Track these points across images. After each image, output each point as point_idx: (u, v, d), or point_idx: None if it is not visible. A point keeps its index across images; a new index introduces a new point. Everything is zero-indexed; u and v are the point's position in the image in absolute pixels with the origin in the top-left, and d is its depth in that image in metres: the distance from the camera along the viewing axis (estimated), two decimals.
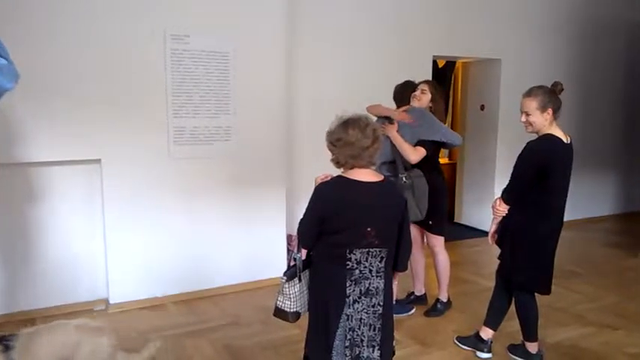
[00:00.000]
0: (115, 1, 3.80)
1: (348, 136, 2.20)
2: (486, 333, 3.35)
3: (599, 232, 6.65)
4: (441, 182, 3.86)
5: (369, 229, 2.19)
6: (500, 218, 3.11)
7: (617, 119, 7.21)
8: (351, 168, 2.25)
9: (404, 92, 3.91)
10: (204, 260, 4.33)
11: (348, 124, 2.23)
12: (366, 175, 2.24)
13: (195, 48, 4.09)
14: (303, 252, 2.38)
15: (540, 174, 2.93)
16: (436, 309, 4.01)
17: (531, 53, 6.29)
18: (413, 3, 5.45)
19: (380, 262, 2.26)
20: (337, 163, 2.30)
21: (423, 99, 3.79)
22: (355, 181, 2.22)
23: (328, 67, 4.99)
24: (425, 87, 3.82)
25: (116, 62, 3.85)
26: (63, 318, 3.83)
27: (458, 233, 6.36)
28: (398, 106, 3.91)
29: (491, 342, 3.35)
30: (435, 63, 6.19)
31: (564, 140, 2.98)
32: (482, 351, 3.35)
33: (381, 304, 2.29)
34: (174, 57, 4.03)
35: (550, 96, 2.95)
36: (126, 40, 3.87)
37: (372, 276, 2.26)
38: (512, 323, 3.40)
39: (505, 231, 3.13)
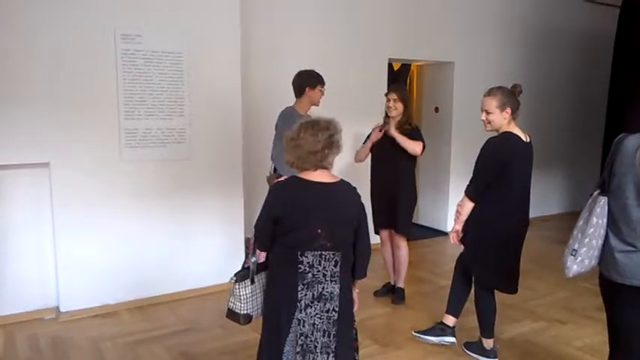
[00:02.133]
0: (63, 0, 3.69)
1: (298, 138, 2.19)
2: (448, 320, 3.45)
3: (550, 230, 6.87)
4: (414, 188, 4.22)
5: (319, 230, 2.17)
6: (466, 214, 3.15)
7: (564, 121, 7.48)
8: (302, 169, 2.24)
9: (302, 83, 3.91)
10: (159, 265, 4.24)
11: (301, 126, 2.22)
12: (321, 176, 2.22)
13: (147, 48, 4.00)
14: (262, 255, 2.36)
15: (500, 170, 3.00)
16: (402, 296, 4.28)
17: (483, 56, 6.46)
18: (367, 5, 5.50)
19: (334, 266, 2.21)
20: (288, 163, 2.29)
21: (398, 107, 3.96)
22: (307, 181, 2.21)
23: (283, 68, 4.95)
24: (394, 96, 3.98)
25: (65, 61, 3.74)
26: (12, 327, 3.70)
27: (415, 233, 6.43)
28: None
29: (455, 328, 3.45)
30: (390, 65, 6.27)
31: (523, 139, 3.07)
32: (448, 336, 3.44)
33: (337, 309, 2.23)
34: (126, 57, 3.94)
35: (509, 96, 3.05)
36: (75, 39, 3.75)
37: (326, 280, 2.21)
38: (470, 319, 3.47)
39: (467, 229, 3.18)
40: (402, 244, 4.22)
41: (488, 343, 3.31)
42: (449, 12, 6.13)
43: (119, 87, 3.94)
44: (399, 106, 3.99)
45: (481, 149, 3.08)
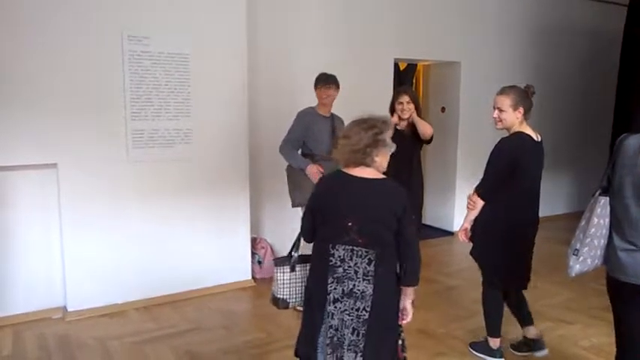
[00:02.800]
0: (70, 1, 3.71)
1: (345, 137, 2.25)
2: (530, 332, 3.37)
3: (556, 231, 6.80)
4: (421, 182, 4.28)
5: (349, 223, 2.17)
6: (475, 212, 3.10)
7: (572, 120, 7.44)
8: (345, 165, 2.26)
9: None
10: (165, 265, 4.26)
11: (350, 124, 2.28)
12: (364, 172, 2.22)
13: (154, 50, 4.03)
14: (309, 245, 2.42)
15: (512, 170, 2.98)
16: None
17: (490, 56, 6.43)
18: (372, 5, 5.50)
19: (368, 264, 2.18)
20: (335, 160, 2.35)
21: (411, 109, 4.05)
22: (346, 174, 2.23)
23: (289, 69, 4.99)
24: (406, 98, 4.06)
25: (72, 63, 3.76)
26: (20, 327, 3.73)
27: (421, 233, 6.43)
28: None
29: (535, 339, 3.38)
30: (396, 66, 6.26)
31: (534, 138, 3.07)
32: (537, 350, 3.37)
33: (367, 309, 2.18)
34: (133, 59, 3.96)
35: (523, 96, 3.03)
36: (82, 42, 3.78)
37: (358, 278, 2.18)
38: (475, 320, 3.46)
39: (476, 227, 3.15)
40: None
41: (494, 343, 3.29)
42: (455, 12, 6.11)
43: (126, 88, 3.96)
44: (412, 107, 4.05)
45: (494, 148, 3.06)
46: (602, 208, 2.18)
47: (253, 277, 4.73)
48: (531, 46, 6.82)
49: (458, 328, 3.78)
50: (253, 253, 4.81)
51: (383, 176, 2.26)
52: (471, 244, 3.27)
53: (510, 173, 2.99)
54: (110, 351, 3.45)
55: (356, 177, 2.21)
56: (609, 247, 2.19)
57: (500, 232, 3.08)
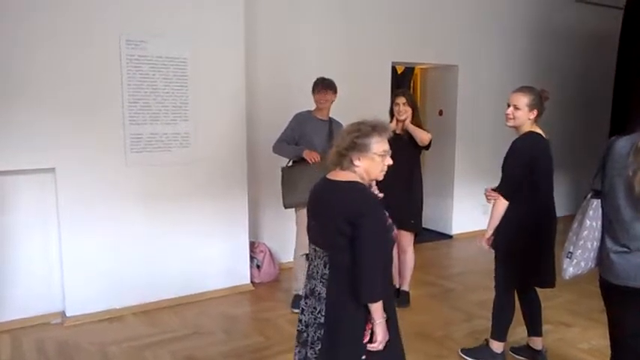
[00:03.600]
0: (68, 5, 3.71)
1: (336, 138, 2.28)
2: (536, 343, 3.34)
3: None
4: (421, 187, 4.37)
5: (313, 222, 2.21)
6: (498, 219, 3.05)
7: (568, 123, 7.45)
8: (332, 167, 2.23)
9: None
10: (164, 270, 4.26)
11: (346, 125, 2.29)
12: (338, 174, 2.19)
13: (152, 54, 4.03)
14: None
15: (531, 169, 2.99)
16: (407, 299, 4.30)
17: (487, 59, 6.45)
18: (370, 9, 5.52)
19: (324, 266, 2.12)
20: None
21: (408, 111, 4.09)
22: (325, 177, 2.24)
23: (287, 73, 5.00)
24: (403, 100, 4.10)
25: (70, 67, 3.76)
26: (19, 332, 3.72)
27: (420, 236, 6.43)
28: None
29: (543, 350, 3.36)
30: (394, 69, 6.28)
31: (544, 136, 3.09)
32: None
33: (323, 313, 2.10)
34: (131, 63, 3.96)
35: (539, 100, 3.05)
36: (80, 45, 3.78)
37: (316, 279, 2.15)
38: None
39: (501, 231, 3.10)
40: (409, 249, 4.27)
41: (499, 347, 3.27)
42: (452, 15, 6.13)
43: (124, 92, 3.96)
44: (408, 109, 4.09)
45: (510, 149, 3.06)
46: (594, 211, 2.19)
47: (252, 282, 4.72)
48: (529, 50, 6.84)
49: (456, 331, 3.78)
50: (252, 257, 4.81)
51: (354, 179, 2.13)
52: (489, 249, 3.22)
53: (529, 172, 3.00)
54: (109, 356, 3.44)
55: (329, 179, 2.19)
56: (602, 250, 2.20)
57: (528, 230, 3.07)
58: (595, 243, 2.21)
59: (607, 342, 2.40)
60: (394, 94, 4.26)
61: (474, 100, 6.33)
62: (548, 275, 3.18)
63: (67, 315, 3.94)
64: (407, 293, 4.33)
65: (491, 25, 6.46)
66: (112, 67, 3.91)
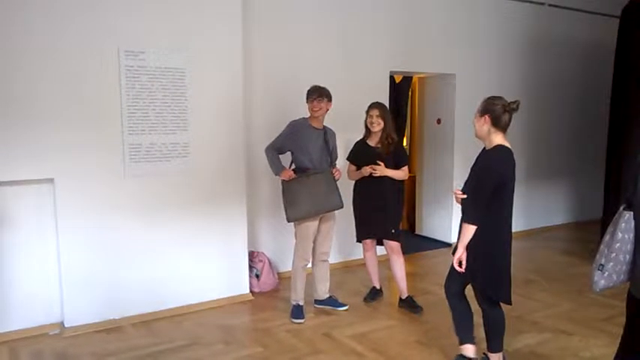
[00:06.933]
0: (67, 16, 3.73)
1: None
2: (469, 350, 3.29)
3: (553, 241, 6.85)
4: (399, 198, 4.40)
5: None
6: (469, 237, 3.00)
7: (567, 131, 7.48)
8: None
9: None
10: (163, 280, 4.24)
11: None
12: None
13: (151, 64, 4.04)
14: None
15: (498, 186, 2.95)
16: (417, 303, 4.37)
17: (484, 68, 6.48)
18: (368, 18, 5.55)
19: None
20: None
21: (380, 123, 4.19)
22: None
23: (285, 82, 5.01)
24: (376, 112, 4.20)
25: (69, 79, 3.77)
26: (17, 343, 3.70)
27: (417, 245, 6.44)
28: None
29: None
30: (392, 78, 6.30)
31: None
32: None
33: None
34: (129, 73, 3.97)
35: (492, 105, 3.01)
36: (79, 56, 3.79)
37: None
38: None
39: (472, 249, 3.04)
40: (399, 256, 4.33)
41: (498, 358, 3.25)
42: (449, 24, 6.17)
43: (123, 103, 3.97)
44: (381, 122, 4.18)
45: (481, 168, 3.02)
46: (626, 223, 2.17)
47: (251, 291, 4.71)
48: (526, 58, 6.88)
49: (457, 339, 3.76)
50: (251, 267, 4.79)
51: None
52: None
53: (497, 189, 2.96)
54: None
55: None
56: (634, 263, 2.17)
57: (499, 245, 3.06)
58: (628, 256, 2.18)
59: (609, 350, 2.40)
60: (368, 107, 4.28)
61: (472, 109, 6.27)
62: (508, 291, 3.13)
63: (66, 326, 3.92)
64: (410, 298, 4.39)
65: (488, 34, 6.50)
66: (111, 78, 3.93)
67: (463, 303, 3.28)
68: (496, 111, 3.01)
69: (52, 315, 3.97)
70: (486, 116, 3.01)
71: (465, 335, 3.30)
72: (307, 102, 4.09)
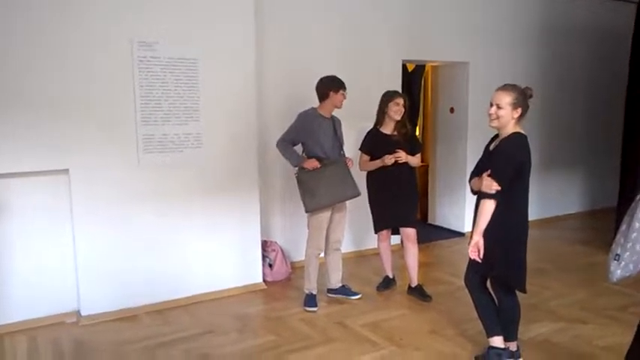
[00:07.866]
0: (80, 7, 3.75)
1: None
2: (497, 342, 3.23)
3: (566, 230, 6.80)
4: (415, 188, 4.46)
5: None
6: (486, 221, 2.93)
7: (582, 120, 7.39)
8: None
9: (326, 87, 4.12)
10: (178, 269, 4.28)
11: None
12: None
13: (164, 55, 4.05)
14: None
15: (518, 173, 2.94)
16: (427, 292, 4.40)
17: (498, 56, 6.41)
18: (380, 7, 5.51)
19: None
20: None
21: (403, 111, 4.25)
22: None
23: (297, 71, 4.99)
24: (402, 100, 4.25)
25: (82, 70, 3.79)
26: (34, 332, 3.76)
27: (432, 234, 6.42)
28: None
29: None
30: (404, 67, 6.26)
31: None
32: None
33: None
34: (142, 64, 3.99)
35: (523, 97, 2.96)
36: (92, 47, 3.81)
37: None
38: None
39: (490, 236, 2.96)
40: (414, 244, 4.36)
41: (513, 347, 3.23)
42: (462, 12, 6.10)
43: (136, 93, 3.99)
44: (403, 110, 4.24)
45: (501, 153, 2.98)
46: None
47: (264, 280, 4.74)
48: (540, 45, 6.79)
49: (469, 328, 3.76)
50: (264, 256, 4.82)
51: None
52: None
53: (516, 176, 2.94)
54: (123, 355, 3.47)
55: None
56: None
57: (517, 232, 3.04)
58: None
59: (623, 339, 2.38)
60: (390, 95, 4.26)
61: (486, 97, 6.20)
62: (524, 278, 3.13)
63: (82, 314, 3.98)
64: (420, 286, 4.42)
65: (502, 22, 6.42)
66: (124, 69, 3.94)
67: (486, 295, 3.24)
68: (526, 105, 2.98)
69: (69, 304, 4.03)
70: (519, 109, 2.95)
71: (493, 327, 3.24)
72: (332, 92, 4.03)
